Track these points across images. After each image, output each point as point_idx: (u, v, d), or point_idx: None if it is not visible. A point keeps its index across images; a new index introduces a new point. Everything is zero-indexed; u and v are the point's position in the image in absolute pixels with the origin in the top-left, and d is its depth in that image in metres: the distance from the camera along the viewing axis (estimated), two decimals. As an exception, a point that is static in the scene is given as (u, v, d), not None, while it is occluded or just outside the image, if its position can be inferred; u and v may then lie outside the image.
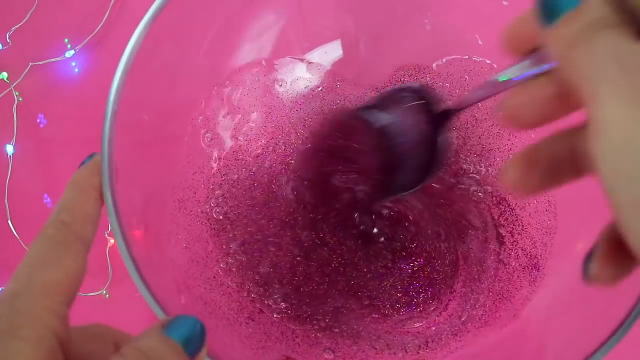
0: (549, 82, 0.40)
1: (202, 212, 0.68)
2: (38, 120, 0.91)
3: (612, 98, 0.31)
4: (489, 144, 0.73)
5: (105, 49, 0.94)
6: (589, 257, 0.41)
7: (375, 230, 0.75)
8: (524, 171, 0.43)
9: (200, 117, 0.68)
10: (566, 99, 0.40)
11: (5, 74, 0.91)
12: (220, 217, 0.70)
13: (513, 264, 0.69)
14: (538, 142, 0.43)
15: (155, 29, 0.55)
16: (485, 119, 0.73)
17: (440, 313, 0.70)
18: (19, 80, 0.91)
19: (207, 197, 0.69)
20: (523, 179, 0.43)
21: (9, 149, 0.89)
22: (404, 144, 0.64)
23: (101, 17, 0.93)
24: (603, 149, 0.31)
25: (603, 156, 0.31)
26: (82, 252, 0.45)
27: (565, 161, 0.42)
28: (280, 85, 0.74)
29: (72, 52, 0.92)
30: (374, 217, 0.75)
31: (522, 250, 0.69)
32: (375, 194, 0.71)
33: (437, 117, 0.59)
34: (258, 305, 0.67)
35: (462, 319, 0.68)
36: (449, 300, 0.71)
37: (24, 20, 0.94)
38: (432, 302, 0.71)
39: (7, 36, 0.93)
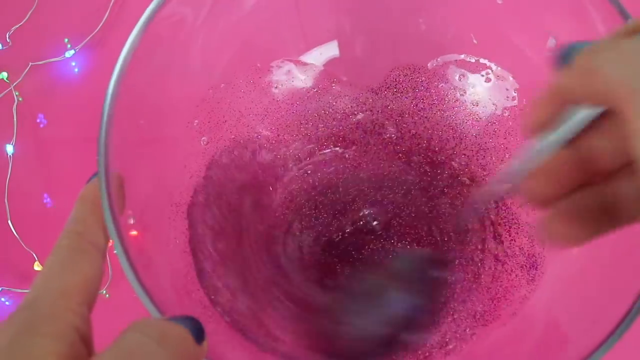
0: (566, 153, 0.41)
1: (198, 215, 0.68)
2: (38, 120, 0.91)
3: None
4: (485, 143, 0.73)
5: (105, 49, 0.94)
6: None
7: (371, 231, 0.75)
8: (566, 224, 0.43)
9: (196, 121, 0.68)
10: (584, 164, 0.41)
11: (5, 74, 0.92)
12: (217, 221, 0.70)
13: (511, 262, 0.68)
14: (569, 197, 0.43)
15: (149, 33, 0.55)
16: (481, 118, 0.73)
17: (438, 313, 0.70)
18: (19, 80, 0.91)
19: (205, 202, 0.69)
20: (567, 232, 0.43)
21: (9, 149, 0.89)
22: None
23: (101, 17, 0.93)
24: None
25: None
26: (98, 258, 0.47)
27: (600, 212, 0.42)
28: (276, 87, 0.74)
29: (72, 52, 0.92)
30: (370, 221, 0.75)
31: (520, 249, 0.69)
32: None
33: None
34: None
35: (461, 319, 0.68)
36: (447, 299, 0.71)
37: (24, 20, 0.94)
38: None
39: (7, 36, 0.93)
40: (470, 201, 0.55)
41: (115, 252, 0.49)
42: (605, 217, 0.42)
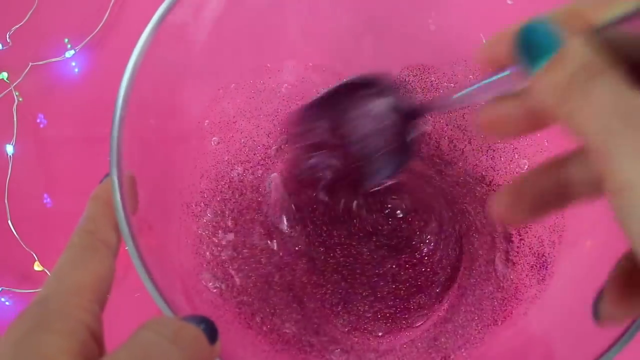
0: (521, 103, 0.41)
1: (209, 215, 0.68)
2: (38, 120, 0.91)
3: (625, 158, 0.31)
4: (494, 144, 0.73)
5: (105, 49, 0.94)
6: (599, 298, 0.42)
7: (379, 229, 0.75)
8: (512, 202, 0.44)
9: (207, 121, 0.68)
10: (537, 119, 0.41)
11: (5, 74, 0.92)
12: (224, 223, 0.70)
13: (521, 262, 0.69)
14: (525, 175, 0.44)
15: (160, 33, 0.55)
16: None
17: (449, 311, 0.70)
18: (19, 80, 0.91)
19: (214, 202, 0.69)
20: (511, 210, 0.44)
21: (9, 149, 0.89)
22: (369, 137, 0.63)
23: (101, 17, 0.93)
24: (628, 210, 0.31)
25: (628, 216, 0.31)
26: (109, 256, 0.47)
27: (551, 193, 0.43)
28: (285, 88, 0.74)
29: (72, 52, 0.92)
30: (376, 215, 0.75)
31: (530, 249, 0.69)
32: (349, 184, 0.70)
33: (406, 113, 0.58)
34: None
35: (471, 318, 0.68)
36: (458, 298, 0.71)
37: (24, 20, 0.94)
38: (441, 300, 0.72)
39: (7, 36, 0.93)
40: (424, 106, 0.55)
41: (127, 250, 0.49)
42: (553, 198, 0.43)
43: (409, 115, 0.57)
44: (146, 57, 0.53)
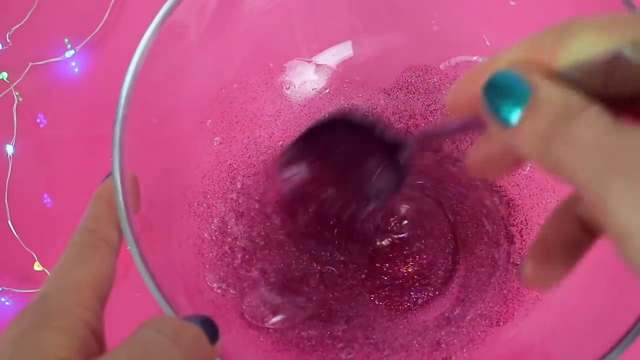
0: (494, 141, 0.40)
1: (211, 215, 0.68)
2: (38, 120, 0.91)
3: (618, 204, 0.29)
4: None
5: (105, 49, 0.94)
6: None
7: (381, 228, 0.75)
8: (542, 267, 0.42)
9: (209, 121, 0.68)
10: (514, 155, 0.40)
11: (5, 74, 0.91)
12: (228, 223, 0.70)
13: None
14: (542, 232, 0.43)
15: (163, 32, 0.55)
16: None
17: (451, 311, 0.70)
18: (19, 80, 0.91)
19: (217, 201, 0.69)
20: (543, 274, 0.43)
21: (9, 149, 0.89)
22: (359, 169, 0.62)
23: (101, 17, 0.93)
24: (634, 256, 0.30)
25: (631, 260, 0.30)
26: (110, 254, 0.47)
27: (577, 236, 0.41)
28: (288, 88, 0.74)
29: (72, 52, 0.92)
30: (379, 216, 0.75)
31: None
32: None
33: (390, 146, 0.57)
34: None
35: (473, 318, 0.68)
36: (460, 299, 0.71)
37: (24, 20, 0.94)
38: (442, 301, 0.72)
39: (7, 36, 0.93)
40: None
41: (128, 249, 0.49)
42: (581, 241, 0.41)
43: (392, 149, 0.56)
44: (149, 56, 0.53)
